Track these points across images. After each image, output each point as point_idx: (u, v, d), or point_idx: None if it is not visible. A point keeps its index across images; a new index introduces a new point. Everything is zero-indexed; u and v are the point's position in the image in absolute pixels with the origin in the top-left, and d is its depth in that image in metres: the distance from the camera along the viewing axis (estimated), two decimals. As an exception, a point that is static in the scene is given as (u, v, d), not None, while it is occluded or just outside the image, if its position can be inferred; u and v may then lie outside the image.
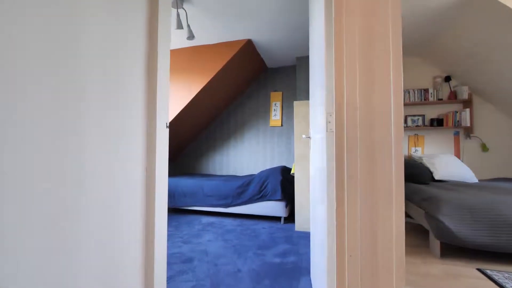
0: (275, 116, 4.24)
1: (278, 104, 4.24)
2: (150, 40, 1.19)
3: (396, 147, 0.83)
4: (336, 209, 0.89)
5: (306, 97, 3.61)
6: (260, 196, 3.18)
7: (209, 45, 3.41)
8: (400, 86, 0.84)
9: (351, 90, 0.89)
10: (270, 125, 4.25)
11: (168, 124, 1.25)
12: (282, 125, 4.21)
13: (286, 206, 3.12)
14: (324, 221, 1.12)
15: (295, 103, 2.96)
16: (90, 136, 0.90)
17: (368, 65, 0.88)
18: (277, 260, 2.12)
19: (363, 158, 0.87)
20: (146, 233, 1.19)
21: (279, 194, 3.09)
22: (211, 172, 4.57)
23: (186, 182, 3.54)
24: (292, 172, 3.06)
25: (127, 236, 1.07)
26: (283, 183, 3.16)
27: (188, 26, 2.42)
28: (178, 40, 3.26)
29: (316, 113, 1.45)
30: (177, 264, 2.06)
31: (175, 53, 3.55)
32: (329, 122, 1.04)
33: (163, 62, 1.20)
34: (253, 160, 4.34)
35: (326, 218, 1.01)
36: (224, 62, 3.32)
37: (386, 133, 0.85)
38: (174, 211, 3.68)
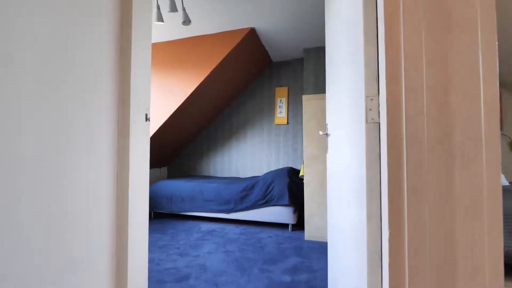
0: (281, 113, 3.94)
1: (284, 100, 3.93)
2: (123, 4, 0.90)
3: (491, 146, 0.53)
4: (389, 239, 0.59)
5: (315, 91, 3.30)
6: (265, 201, 2.88)
7: (208, 35, 3.11)
8: (493, 47, 0.54)
9: (414, 58, 0.58)
10: (275, 123, 3.95)
11: (149, 116, 0.95)
12: (288, 123, 3.90)
13: (294, 212, 2.81)
14: (360, 245, 0.82)
15: (304, 97, 2.66)
16: (22, 128, 0.61)
17: (441, 13, 0.57)
18: (287, 278, 1.81)
19: (435, 161, 0.56)
20: (117, 257, 0.90)
21: (286, 199, 2.79)
22: (212, 174, 4.28)
23: (184, 185, 3.25)
24: (301, 174, 2.75)
25: (87, 261, 0.78)
26: (290, 187, 2.86)
27: (184, 9, 2.12)
28: (173, 28, 2.97)
29: (340, 102, 1.15)
30: (170, 283, 1.76)
31: (170, 44, 3.26)
32: (370, 109, 0.74)
33: (141, 34, 0.90)
34: (257, 161, 4.03)
35: (367, 246, 0.71)
36: (224, 54, 3.03)
37: (473, 124, 0.54)
38: (172, 216, 3.39)
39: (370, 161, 0.72)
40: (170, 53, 3.25)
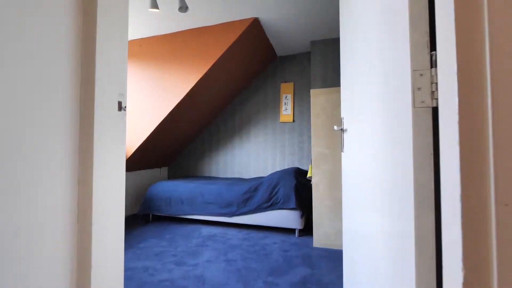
0: (286, 111, 3.72)
1: (289, 97, 3.72)
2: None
3: None
4: (463, 285, 0.38)
5: (323, 86, 3.07)
6: (270, 204, 2.67)
7: (207, 27, 2.91)
8: None
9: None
10: (280, 121, 3.74)
11: (124, 105, 0.75)
12: (294, 120, 3.69)
13: (302, 216, 2.60)
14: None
15: (312, 91, 2.44)
16: None
17: None
18: (295, 293, 1.61)
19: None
20: (78, 278, 0.70)
21: (292, 202, 2.58)
22: (214, 174, 4.08)
23: (183, 187, 3.06)
24: (308, 175, 2.54)
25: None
26: (297, 189, 2.64)
27: (180, -6, 1.93)
28: (169, 21, 2.78)
29: (361, 88, 0.94)
30: (164, 298, 1.57)
31: (166, 38, 3.07)
32: (419, 89, 0.53)
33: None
34: (261, 161, 3.83)
35: None
36: (226, 47, 2.83)
37: None
38: (170, 220, 3.21)
39: (420, 160, 0.51)
40: (166, 48, 3.07)
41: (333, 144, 2.32)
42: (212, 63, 2.88)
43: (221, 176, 4.03)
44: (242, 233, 2.73)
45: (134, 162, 3.42)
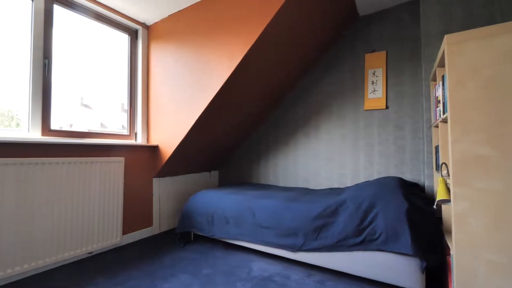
0: (374, 93, 2.56)
1: (379, 72, 2.54)
2: None
3: None
4: None
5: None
6: (362, 239, 1.61)
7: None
8: None
9: None
10: (365, 108, 2.60)
11: None
12: (387, 106, 2.50)
13: (423, 269, 1.44)
14: None
15: (449, 38, 1.28)
16: None
17: None
18: None
19: None
20: None
21: (405, 241, 1.46)
22: (272, 181, 3.20)
23: (229, 200, 2.26)
24: (439, 197, 1.38)
25: None
26: (412, 218, 1.51)
27: None
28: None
29: None
30: None
31: (201, 7, 2.32)
32: None
33: None
34: (336, 166, 2.75)
35: None
36: (281, 2, 1.90)
37: None
38: (215, 242, 2.44)
39: None
40: (202, 18, 2.33)
41: (508, 138, 1.13)
42: (263, 28, 1.99)
43: (281, 184, 3.12)
44: (312, 280, 1.74)
45: (176, 165, 2.82)
